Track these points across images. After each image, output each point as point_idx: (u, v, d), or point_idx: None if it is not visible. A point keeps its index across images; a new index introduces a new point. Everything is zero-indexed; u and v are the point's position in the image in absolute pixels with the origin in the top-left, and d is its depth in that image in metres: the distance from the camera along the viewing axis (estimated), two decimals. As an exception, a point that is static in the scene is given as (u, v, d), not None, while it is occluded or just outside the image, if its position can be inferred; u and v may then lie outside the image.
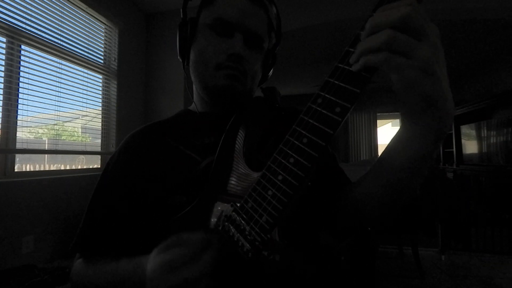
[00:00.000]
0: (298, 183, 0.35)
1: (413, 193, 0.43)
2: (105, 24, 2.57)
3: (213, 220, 0.44)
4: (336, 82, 0.34)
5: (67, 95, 2.18)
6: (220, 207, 0.44)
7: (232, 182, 0.45)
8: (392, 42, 0.30)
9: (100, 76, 2.55)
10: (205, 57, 0.55)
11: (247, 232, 0.39)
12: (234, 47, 0.52)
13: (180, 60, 0.61)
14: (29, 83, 1.89)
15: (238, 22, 0.53)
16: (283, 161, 0.37)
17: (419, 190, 0.43)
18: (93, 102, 2.47)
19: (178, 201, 0.49)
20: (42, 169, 2.32)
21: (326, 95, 0.35)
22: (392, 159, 0.41)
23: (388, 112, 5.99)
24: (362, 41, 0.32)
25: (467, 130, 4.44)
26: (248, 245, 0.39)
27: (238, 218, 0.41)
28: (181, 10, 0.60)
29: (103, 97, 2.57)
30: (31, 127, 2.06)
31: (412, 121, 0.36)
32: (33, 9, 1.90)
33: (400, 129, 0.40)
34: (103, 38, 2.58)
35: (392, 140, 0.42)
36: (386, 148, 0.43)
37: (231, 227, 0.41)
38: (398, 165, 0.40)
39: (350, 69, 0.33)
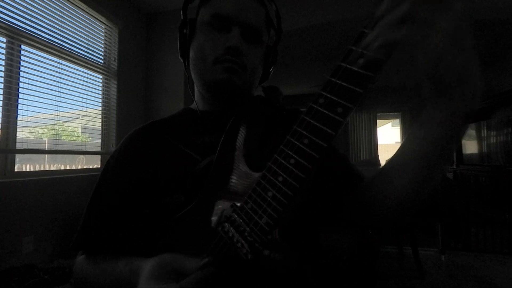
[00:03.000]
0: (299, 185, 0.35)
1: (437, 182, 0.41)
2: (105, 24, 2.57)
3: (214, 218, 0.44)
4: (338, 81, 0.34)
5: (67, 95, 2.18)
6: (221, 206, 0.44)
7: (233, 180, 0.45)
8: (414, 13, 0.28)
9: (100, 76, 2.55)
10: (203, 53, 0.55)
11: (246, 234, 0.39)
12: (231, 40, 0.52)
13: (181, 60, 0.61)
14: (29, 83, 1.89)
15: (235, 16, 0.53)
16: (283, 162, 0.36)
17: (441, 179, 0.41)
18: (93, 102, 2.46)
19: (177, 201, 0.49)
20: (42, 169, 2.32)
21: (328, 95, 0.34)
22: (415, 147, 0.39)
23: (388, 112, 5.99)
24: (380, 18, 0.30)
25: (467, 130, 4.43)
26: (247, 246, 0.39)
27: (238, 219, 0.40)
28: (181, 12, 0.60)
29: (103, 97, 2.57)
30: (31, 127, 2.06)
31: (438, 103, 0.34)
32: (33, 9, 1.90)
33: (423, 114, 0.37)
34: (103, 38, 2.57)
35: (415, 125, 0.39)
36: (409, 134, 0.40)
37: (231, 228, 0.41)
38: (422, 152, 0.38)
39: (353, 68, 0.33)
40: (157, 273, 0.38)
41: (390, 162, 0.45)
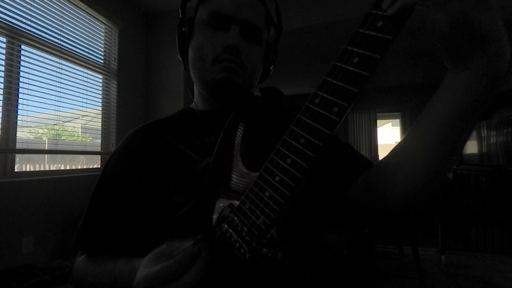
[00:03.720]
0: (295, 184, 0.35)
1: (458, 156, 0.38)
2: (105, 24, 2.57)
3: (215, 216, 0.44)
4: (334, 81, 0.34)
5: (67, 95, 2.18)
6: (222, 204, 0.44)
7: (234, 178, 0.45)
8: None
9: (100, 76, 2.55)
10: (202, 52, 0.54)
11: (244, 234, 0.39)
12: (230, 39, 0.51)
13: (181, 59, 0.61)
14: (29, 83, 1.89)
15: (233, 14, 0.53)
16: (280, 161, 0.37)
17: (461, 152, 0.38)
18: (93, 102, 2.47)
19: (176, 201, 0.49)
20: (42, 169, 2.33)
21: (324, 95, 0.34)
22: (438, 113, 0.36)
23: (388, 112, 5.99)
24: None
25: (467, 130, 4.43)
26: (245, 246, 0.39)
27: (235, 219, 0.41)
28: (179, 10, 0.59)
29: (103, 97, 2.57)
30: (31, 127, 2.06)
31: (460, 65, 0.32)
32: (33, 9, 1.90)
33: (444, 80, 0.35)
34: (103, 38, 2.58)
35: (435, 93, 0.37)
36: (429, 103, 0.37)
37: (229, 228, 0.41)
38: (445, 119, 0.35)
39: (349, 67, 0.33)
40: (152, 260, 0.38)
41: (398, 148, 0.43)
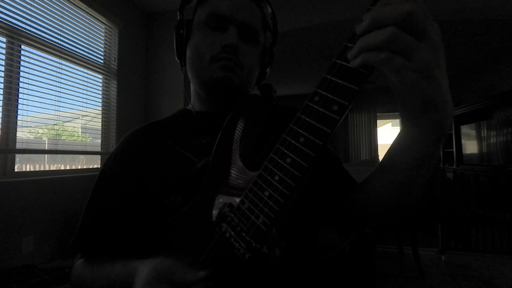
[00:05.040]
0: (295, 184, 0.35)
1: (417, 194, 0.43)
2: (105, 24, 2.57)
3: (215, 212, 0.44)
4: (333, 79, 0.33)
5: (67, 95, 2.18)
6: (221, 199, 0.44)
7: (233, 174, 0.45)
8: (394, 41, 0.29)
9: (100, 76, 2.55)
10: (200, 51, 0.55)
11: (244, 234, 0.39)
12: (228, 38, 0.52)
13: (178, 61, 0.61)
14: (29, 83, 1.89)
15: (231, 15, 0.54)
16: (279, 161, 0.36)
17: (422, 190, 0.43)
18: (93, 102, 2.47)
19: (174, 202, 0.49)
20: (42, 169, 2.32)
21: (323, 93, 0.34)
22: (394, 161, 0.41)
23: (388, 112, 5.98)
24: (361, 36, 0.31)
25: (467, 130, 4.43)
26: (245, 246, 0.38)
27: (235, 219, 0.40)
28: (177, 12, 0.60)
29: (103, 97, 2.57)
30: (31, 127, 2.06)
31: (411, 123, 0.36)
32: (33, 9, 1.90)
33: (400, 131, 0.40)
34: (103, 38, 2.58)
35: (393, 142, 0.41)
36: (388, 150, 0.43)
37: (228, 228, 0.41)
38: (400, 167, 0.40)
39: (348, 65, 0.32)
40: (153, 281, 0.38)
41: (371, 175, 0.48)
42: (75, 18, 2.25)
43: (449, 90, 0.33)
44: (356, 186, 0.54)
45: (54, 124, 2.14)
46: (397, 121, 6.29)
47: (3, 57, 1.76)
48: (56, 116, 2.12)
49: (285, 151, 0.36)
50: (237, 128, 0.49)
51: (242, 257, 0.39)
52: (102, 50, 2.57)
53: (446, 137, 0.37)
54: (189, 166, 0.52)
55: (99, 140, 2.57)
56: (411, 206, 0.45)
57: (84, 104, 2.36)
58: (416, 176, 0.40)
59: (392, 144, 0.42)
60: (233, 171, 0.45)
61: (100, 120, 2.55)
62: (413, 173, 0.40)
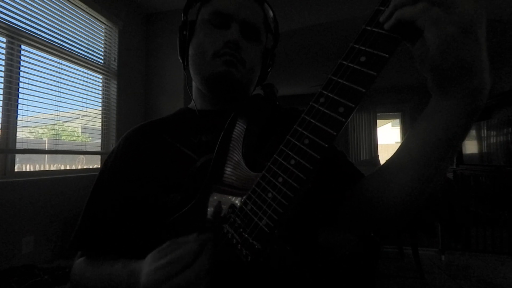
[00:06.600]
0: (299, 186, 0.34)
1: (442, 178, 0.39)
2: (105, 24, 2.57)
3: (210, 209, 0.44)
4: (340, 80, 0.33)
5: (67, 95, 2.18)
6: (216, 197, 0.44)
7: (228, 172, 0.45)
8: None
9: (100, 76, 2.55)
10: (202, 48, 0.55)
11: (246, 236, 0.39)
12: (230, 35, 0.53)
13: (181, 61, 0.61)
14: (29, 83, 1.88)
15: (234, 14, 0.54)
16: (283, 162, 0.36)
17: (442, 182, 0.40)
18: (93, 102, 2.46)
19: (173, 200, 0.49)
20: (42, 169, 2.32)
21: (329, 94, 0.33)
22: (420, 139, 0.37)
23: (388, 112, 5.98)
24: None
25: (467, 130, 4.43)
26: (247, 248, 0.38)
27: (237, 220, 0.40)
28: (182, 13, 0.60)
29: (103, 97, 2.57)
30: (31, 127, 2.06)
31: (442, 93, 0.33)
32: (33, 9, 1.90)
33: (428, 107, 0.36)
34: (103, 38, 2.57)
35: (419, 119, 0.38)
36: (412, 129, 0.39)
37: (230, 229, 0.41)
38: (426, 146, 0.37)
39: (355, 66, 0.32)
40: (158, 254, 0.38)
41: (390, 160, 0.44)
42: (75, 18, 2.25)
43: (488, 58, 0.30)
44: (365, 180, 0.51)
45: (54, 124, 2.14)
46: (397, 121, 6.28)
47: (3, 57, 1.76)
48: (56, 116, 2.11)
49: (289, 152, 0.36)
50: (237, 126, 0.49)
51: (244, 259, 0.39)
52: (102, 50, 2.56)
53: (479, 114, 0.33)
54: (189, 164, 0.52)
55: (99, 140, 2.57)
56: (427, 198, 0.40)
57: (84, 104, 2.35)
58: (441, 158, 0.36)
59: (416, 123, 0.38)
60: (227, 169, 0.45)
61: (100, 120, 2.55)
62: (438, 154, 0.36)
